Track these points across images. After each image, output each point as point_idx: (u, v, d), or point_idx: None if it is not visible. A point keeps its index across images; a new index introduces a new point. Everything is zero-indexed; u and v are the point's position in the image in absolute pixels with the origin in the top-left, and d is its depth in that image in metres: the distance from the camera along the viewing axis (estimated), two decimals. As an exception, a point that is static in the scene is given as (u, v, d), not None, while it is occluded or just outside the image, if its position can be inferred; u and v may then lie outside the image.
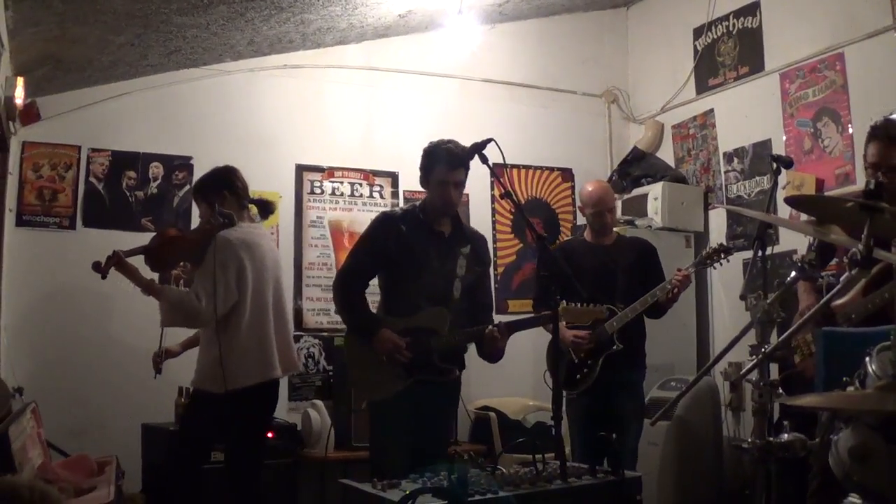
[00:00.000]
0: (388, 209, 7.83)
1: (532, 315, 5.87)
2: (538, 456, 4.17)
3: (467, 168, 5.48)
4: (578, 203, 6.83)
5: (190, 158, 8.19)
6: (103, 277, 5.57)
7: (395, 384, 5.38)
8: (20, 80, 6.25)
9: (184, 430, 5.97)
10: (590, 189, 6.78)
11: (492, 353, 5.49)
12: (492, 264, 5.83)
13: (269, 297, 5.87)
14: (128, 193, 7.91)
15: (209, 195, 5.90)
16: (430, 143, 5.63)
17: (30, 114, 7.29)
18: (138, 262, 5.70)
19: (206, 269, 5.56)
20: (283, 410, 7.99)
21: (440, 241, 5.62)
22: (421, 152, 5.64)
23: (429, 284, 5.50)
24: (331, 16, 7.60)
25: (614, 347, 6.34)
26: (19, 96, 6.29)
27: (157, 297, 5.67)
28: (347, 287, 5.66)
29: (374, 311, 5.74)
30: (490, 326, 5.41)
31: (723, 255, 6.40)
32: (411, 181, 6.05)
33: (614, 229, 6.93)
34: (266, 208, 6.25)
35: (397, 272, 5.58)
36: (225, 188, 5.93)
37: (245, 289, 5.70)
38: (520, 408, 8.05)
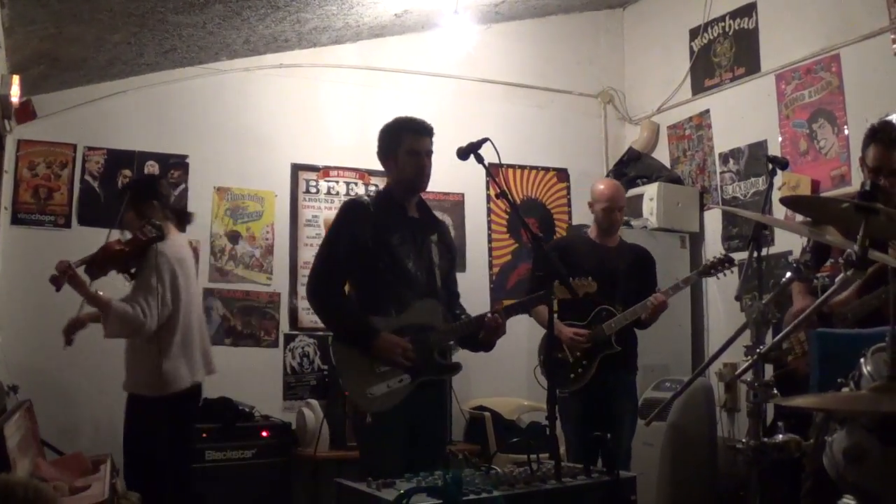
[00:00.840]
0: (353, 196, 7.81)
1: (528, 297, 5.63)
2: (533, 456, 4.14)
3: (432, 139, 5.27)
4: (588, 199, 6.76)
5: (186, 157, 8.19)
6: (57, 290, 5.70)
7: (398, 393, 4.95)
8: (16, 78, 6.21)
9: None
10: (602, 186, 6.76)
11: (491, 342, 5.20)
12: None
13: (194, 307, 6.22)
14: (165, 196, 7.84)
15: (139, 203, 6.05)
16: (385, 124, 5.38)
17: (25, 112, 7.29)
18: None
19: (146, 282, 5.79)
20: (278, 409, 8.04)
21: (414, 225, 5.23)
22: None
23: (412, 275, 5.10)
24: (327, 15, 7.58)
25: (612, 349, 6.33)
26: (15, 94, 6.25)
27: (104, 310, 5.74)
28: (326, 290, 5.15)
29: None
30: (488, 313, 5.16)
31: (726, 266, 6.38)
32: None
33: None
34: (184, 219, 6.46)
35: (374, 264, 5.07)
36: (154, 197, 6.11)
37: (178, 301, 5.97)
38: (514, 407, 8.03)
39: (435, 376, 5.10)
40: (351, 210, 5.28)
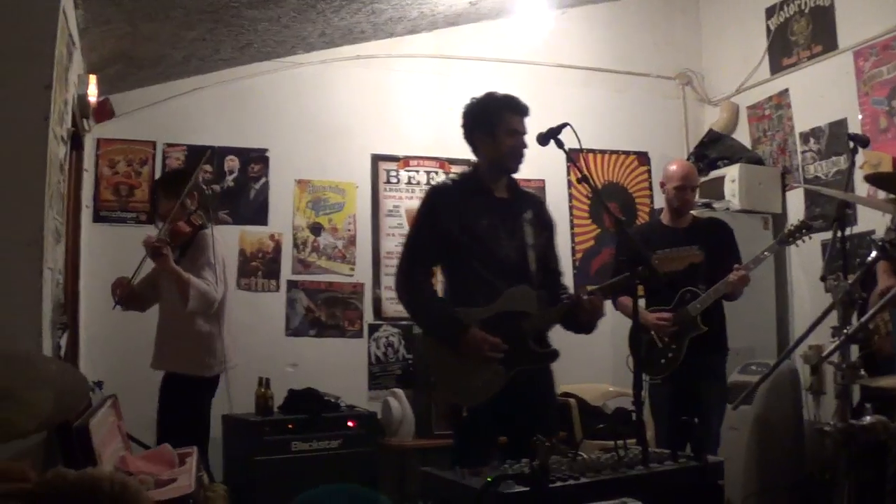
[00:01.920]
0: (437, 182, 7.68)
1: (619, 277, 5.29)
2: (619, 442, 4.03)
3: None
4: (661, 179, 6.60)
5: (265, 151, 8.17)
6: (155, 260, 5.91)
7: (493, 385, 4.76)
8: (93, 78, 6.19)
9: (178, 417, 6.09)
10: (674, 165, 6.60)
11: (591, 322, 4.90)
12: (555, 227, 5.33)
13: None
14: (204, 187, 7.81)
15: (171, 194, 6.16)
16: (475, 98, 5.15)
17: (104, 111, 7.32)
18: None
19: (207, 261, 6.05)
20: (364, 399, 8.01)
21: (504, 207, 5.00)
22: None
23: (503, 260, 4.87)
24: (401, 5, 7.48)
25: (699, 330, 6.16)
26: (92, 94, 6.22)
27: (184, 286, 5.88)
28: (412, 284, 4.97)
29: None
30: (584, 295, 4.86)
31: (804, 232, 6.17)
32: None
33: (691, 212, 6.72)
34: (210, 211, 6.67)
35: (461, 252, 4.88)
36: (195, 190, 6.31)
37: (226, 283, 6.31)
38: (600, 394, 7.89)
39: (531, 366, 4.86)
40: (432, 197, 5.12)
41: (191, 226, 6.13)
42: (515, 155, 4.96)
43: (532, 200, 5.19)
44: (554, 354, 4.97)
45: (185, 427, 5.94)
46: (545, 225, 5.14)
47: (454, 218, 4.90)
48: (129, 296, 6.23)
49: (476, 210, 4.93)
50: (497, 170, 5.03)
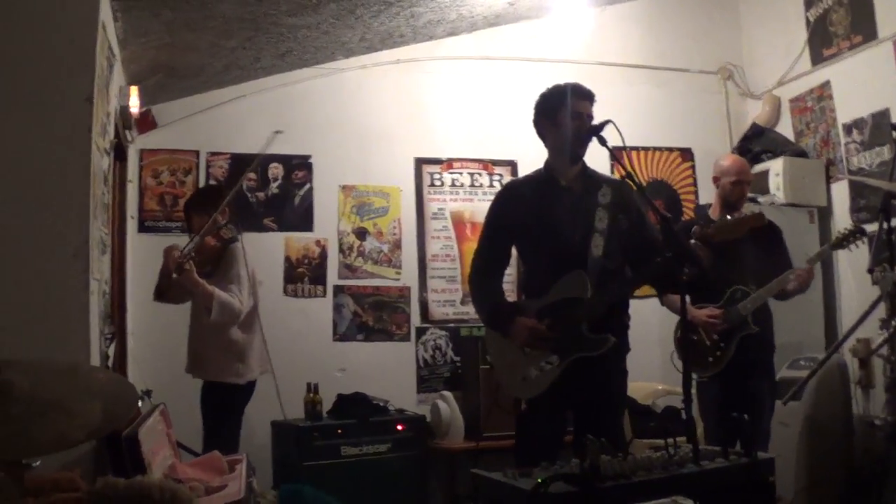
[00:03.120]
0: (508, 180, 7.71)
1: (665, 257, 5.09)
2: (669, 440, 3.99)
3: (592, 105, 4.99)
4: (713, 174, 6.52)
5: (309, 157, 8.18)
6: (178, 275, 6.03)
7: (547, 375, 4.75)
8: (134, 90, 6.22)
9: (219, 422, 6.23)
10: (729, 161, 6.52)
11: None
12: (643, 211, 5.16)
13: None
14: (249, 195, 7.92)
15: (201, 211, 6.32)
16: (543, 92, 5.13)
17: (146, 122, 7.36)
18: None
19: (236, 273, 6.19)
20: (412, 402, 8.00)
21: (570, 196, 4.97)
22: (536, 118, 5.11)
23: (562, 250, 4.85)
24: (440, 7, 7.45)
25: (749, 329, 6.09)
26: (134, 105, 6.25)
27: (208, 299, 6.03)
28: (476, 278, 5.15)
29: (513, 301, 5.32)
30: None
31: (857, 237, 6.08)
32: (532, 168, 5.57)
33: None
34: (239, 223, 6.75)
35: (528, 246, 5.05)
36: (227, 206, 6.38)
37: (257, 293, 6.46)
38: (649, 392, 7.83)
39: (586, 353, 4.75)
40: (499, 195, 5.27)
41: (220, 240, 6.22)
42: (576, 138, 4.90)
43: (611, 183, 5.07)
44: (606, 341, 4.78)
45: (222, 432, 6.07)
46: (624, 207, 5.00)
47: (518, 211, 4.99)
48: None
49: (540, 202, 4.96)
50: (562, 157, 5.00)
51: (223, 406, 6.20)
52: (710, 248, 4.76)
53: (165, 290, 6.32)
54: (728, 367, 6.11)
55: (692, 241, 4.73)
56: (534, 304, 4.86)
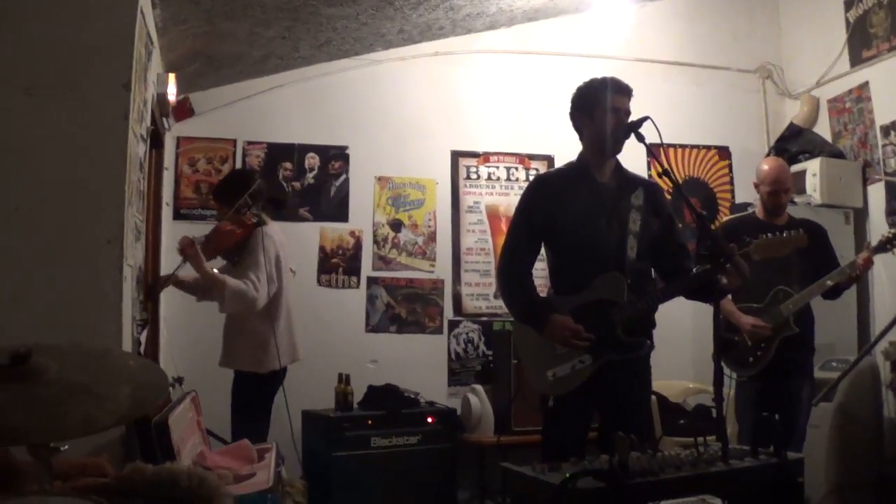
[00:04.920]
0: (541, 173, 7.64)
1: (702, 270, 4.81)
2: (699, 439, 3.96)
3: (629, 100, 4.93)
4: (754, 180, 6.48)
5: (345, 148, 8.18)
6: (183, 261, 6.00)
7: (578, 374, 4.73)
8: (172, 77, 6.24)
9: (247, 411, 6.21)
10: (767, 167, 6.45)
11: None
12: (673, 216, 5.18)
13: (290, 292, 6.44)
14: (285, 184, 7.93)
15: (228, 200, 6.21)
16: (580, 85, 5.05)
17: (183, 109, 7.39)
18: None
19: (255, 260, 6.03)
20: (443, 395, 8.00)
21: (606, 193, 4.91)
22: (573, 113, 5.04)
23: (598, 248, 4.79)
24: (480, 1, 7.44)
25: (791, 331, 6.04)
26: (172, 93, 6.26)
27: (220, 288, 5.94)
28: (507, 271, 5.03)
29: (544, 294, 5.18)
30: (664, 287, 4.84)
31: None
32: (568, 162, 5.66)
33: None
34: (280, 206, 6.84)
35: (561, 241, 4.92)
36: (241, 193, 6.20)
37: (282, 280, 6.25)
38: (680, 390, 7.76)
39: (619, 355, 4.75)
40: (531, 187, 5.16)
41: (243, 227, 6.13)
42: (613, 134, 4.83)
43: (644, 186, 5.02)
44: (642, 345, 4.85)
45: (249, 421, 6.04)
46: (656, 211, 4.97)
47: (551, 205, 4.91)
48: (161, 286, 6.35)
49: (574, 196, 4.89)
50: (597, 152, 4.93)
51: (249, 395, 6.17)
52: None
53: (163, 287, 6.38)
54: (767, 368, 6.08)
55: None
56: (567, 301, 4.80)
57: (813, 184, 8.11)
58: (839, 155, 8.36)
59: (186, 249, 5.88)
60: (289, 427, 6.40)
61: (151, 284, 6.27)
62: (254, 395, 6.17)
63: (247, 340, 6.15)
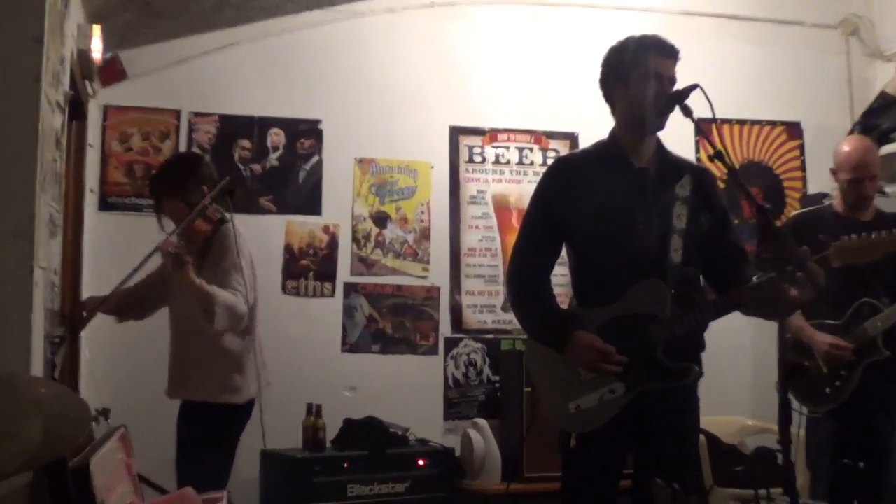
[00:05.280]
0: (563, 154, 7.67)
1: (767, 276, 5.03)
2: (761, 491, 3.92)
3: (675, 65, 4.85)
4: (831, 165, 6.43)
5: (318, 122, 8.21)
6: (178, 272, 5.76)
7: (608, 407, 4.61)
8: (96, 29, 6.19)
9: (208, 453, 6.02)
10: (847, 148, 6.36)
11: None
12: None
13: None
14: (242, 167, 7.97)
15: (180, 192, 6.06)
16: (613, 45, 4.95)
17: (112, 71, 7.37)
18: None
19: (232, 262, 5.93)
20: (438, 432, 8.03)
21: (644, 181, 4.79)
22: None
23: (634, 249, 4.67)
24: (487, -68, 7.45)
25: (879, 354, 5.98)
26: (97, 50, 6.23)
27: (212, 301, 5.79)
28: (520, 277, 4.91)
29: (565, 306, 5.06)
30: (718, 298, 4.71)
31: None
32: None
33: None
34: (230, 195, 6.44)
35: (587, 240, 4.79)
36: (203, 181, 6.11)
37: (256, 289, 6.16)
38: (736, 429, 7.79)
39: (660, 384, 4.63)
40: (550, 172, 5.03)
41: (209, 223, 6.02)
42: (655, 105, 4.72)
43: (692, 172, 4.92)
44: (688, 371, 4.71)
45: (210, 463, 5.93)
46: (706, 203, 4.87)
47: (575, 195, 4.81)
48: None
49: (604, 184, 4.79)
50: (634, 128, 4.83)
51: (215, 433, 6.04)
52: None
53: (138, 304, 6.29)
54: (849, 401, 6.01)
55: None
56: (595, 315, 4.70)
57: (910, 170, 8.08)
58: (945, 131, 8.35)
59: (181, 257, 5.72)
60: (245, 471, 6.38)
61: (70, 318, 6.14)
62: (222, 431, 6.06)
63: (219, 363, 6.03)
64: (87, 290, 6.99)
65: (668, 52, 4.78)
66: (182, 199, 6.01)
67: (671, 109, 4.62)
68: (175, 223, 6.00)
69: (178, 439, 6.10)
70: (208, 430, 6.04)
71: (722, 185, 7.30)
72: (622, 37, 4.92)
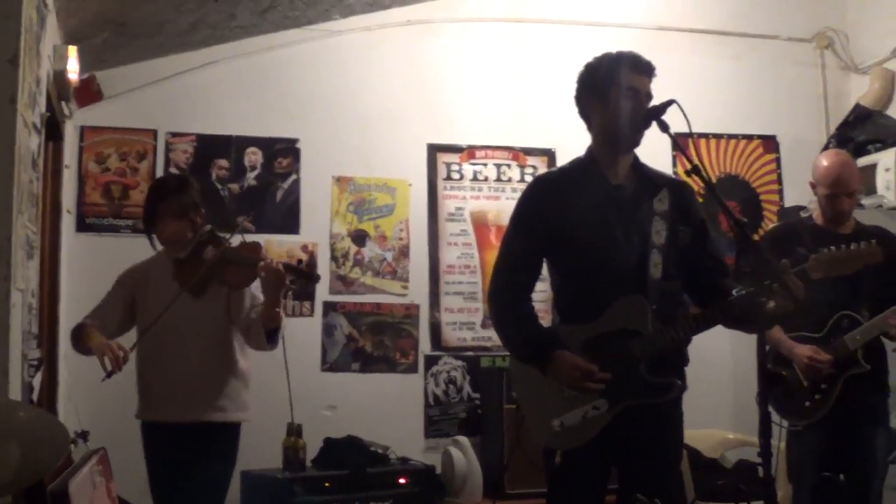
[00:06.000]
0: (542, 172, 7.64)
1: (743, 292, 5.01)
2: None
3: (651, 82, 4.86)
4: (809, 178, 6.41)
5: (296, 141, 8.21)
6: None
7: (592, 423, 4.63)
8: (73, 50, 6.18)
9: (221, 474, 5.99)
10: (826, 163, 6.32)
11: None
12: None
13: None
14: (219, 186, 7.96)
15: (195, 212, 6.06)
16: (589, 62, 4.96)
17: (89, 92, 7.36)
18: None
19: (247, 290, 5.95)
20: (419, 450, 8.01)
21: (621, 197, 4.81)
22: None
23: (615, 266, 4.68)
24: (464, -47, 7.46)
25: (859, 367, 5.96)
26: (73, 70, 6.21)
27: (282, 323, 5.87)
28: (501, 295, 4.92)
29: (547, 323, 5.14)
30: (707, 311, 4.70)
31: None
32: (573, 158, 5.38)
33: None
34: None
35: (568, 258, 4.81)
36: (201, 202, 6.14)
37: None
38: (717, 442, 7.76)
39: (643, 399, 4.65)
40: (530, 190, 5.06)
41: (216, 245, 5.98)
42: (631, 122, 4.74)
43: (670, 186, 4.93)
44: (671, 386, 4.73)
45: (224, 485, 5.94)
46: (685, 217, 4.89)
47: (555, 212, 4.82)
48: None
49: (584, 202, 4.80)
50: (611, 145, 4.86)
51: (234, 451, 6.03)
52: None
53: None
54: (829, 414, 5.99)
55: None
56: (577, 332, 4.71)
57: (886, 181, 8.09)
58: (921, 144, 8.36)
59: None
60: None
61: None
62: (236, 448, 6.04)
63: (236, 382, 6.02)
64: (65, 312, 6.96)
65: (644, 69, 4.79)
66: (190, 219, 6.00)
67: (647, 125, 4.63)
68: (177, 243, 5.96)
69: (183, 459, 5.87)
70: (231, 448, 6.02)
71: (699, 200, 7.34)
72: (598, 53, 4.92)
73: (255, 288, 5.91)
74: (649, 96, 4.78)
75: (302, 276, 5.99)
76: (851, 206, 6.28)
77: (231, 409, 5.94)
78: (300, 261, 6.31)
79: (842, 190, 6.17)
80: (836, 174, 6.20)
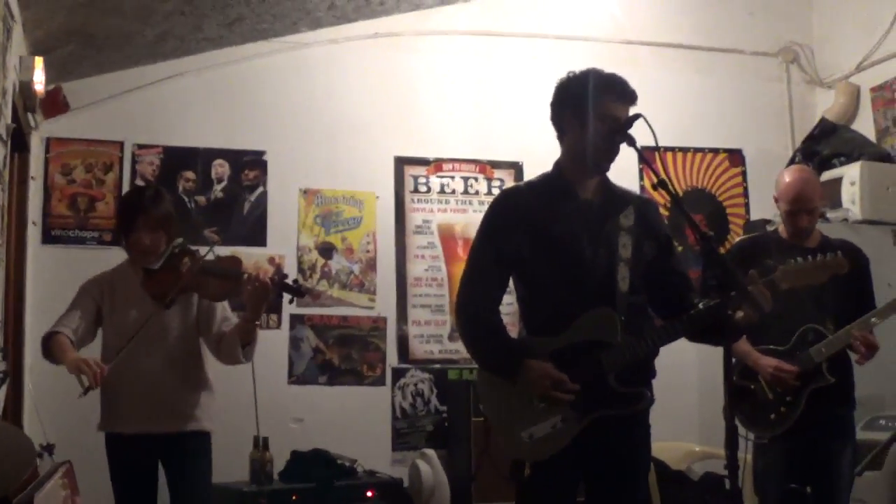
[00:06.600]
0: (508, 186, 7.61)
1: (708, 306, 5.02)
2: (708, 517, 3.91)
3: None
4: (774, 191, 6.41)
5: (262, 153, 8.20)
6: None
7: (561, 435, 4.60)
8: (39, 61, 6.17)
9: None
10: (788, 179, 6.30)
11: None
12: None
13: None
14: (186, 199, 7.93)
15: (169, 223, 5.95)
16: (574, 72, 4.88)
17: (55, 103, 7.33)
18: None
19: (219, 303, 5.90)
20: (386, 463, 7.99)
21: (589, 212, 4.75)
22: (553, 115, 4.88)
23: (582, 279, 4.63)
24: (430, -35, 7.46)
25: (824, 381, 5.96)
26: (39, 81, 6.20)
27: (256, 333, 5.81)
28: (469, 308, 4.84)
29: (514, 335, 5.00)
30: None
31: None
32: (540, 171, 5.45)
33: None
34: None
35: (535, 272, 4.74)
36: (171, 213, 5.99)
37: None
38: (683, 455, 7.75)
39: (613, 410, 4.61)
40: (497, 203, 4.98)
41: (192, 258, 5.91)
42: (606, 149, 4.69)
43: (635, 203, 4.90)
44: (640, 397, 4.69)
45: (208, 496, 5.91)
46: (650, 232, 4.87)
47: (522, 227, 4.77)
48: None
49: (552, 216, 4.76)
50: (582, 165, 4.80)
51: (209, 462, 5.99)
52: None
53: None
54: (795, 426, 5.99)
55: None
56: (546, 343, 4.65)
57: (851, 194, 8.08)
58: (885, 158, 8.36)
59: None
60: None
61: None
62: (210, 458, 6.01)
63: (207, 392, 5.98)
64: (31, 324, 6.92)
65: (628, 98, 4.72)
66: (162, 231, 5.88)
67: (618, 147, 4.59)
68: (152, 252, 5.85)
69: (148, 470, 5.87)
70: (208, 459, 5.98)
71: (666, 213, 7.33)
72: (564, 66, 4.89)
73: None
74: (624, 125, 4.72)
75: (289, 290, 5.83)
76: (812, 223, 6.26)
77: (203, 418, 5.88)
78: (286, 275, 6.23)
79: (802, 206, 6.15)
80: (797, 190, 6.18)
